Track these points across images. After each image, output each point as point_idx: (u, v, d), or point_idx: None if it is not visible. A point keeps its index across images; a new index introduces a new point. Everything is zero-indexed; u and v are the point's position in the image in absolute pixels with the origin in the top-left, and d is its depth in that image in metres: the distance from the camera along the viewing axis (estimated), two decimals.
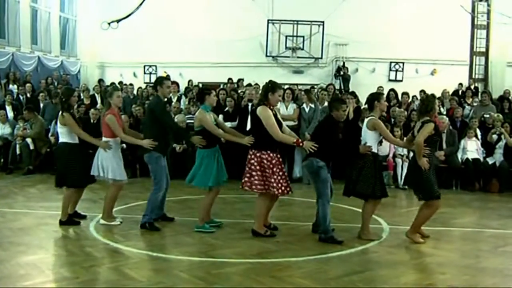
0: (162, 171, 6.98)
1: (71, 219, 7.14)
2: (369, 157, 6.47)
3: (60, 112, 7.09)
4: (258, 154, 6.42)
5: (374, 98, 6.73)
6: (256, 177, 6.40)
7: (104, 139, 7.05)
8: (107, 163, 6.98)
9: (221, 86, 14.66)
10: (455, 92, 15.78)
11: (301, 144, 6.39)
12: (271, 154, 6.43)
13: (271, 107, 6.50)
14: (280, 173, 6.48)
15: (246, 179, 6.50)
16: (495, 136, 10.90)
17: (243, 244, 6.31)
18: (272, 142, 6.41)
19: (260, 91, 11.79)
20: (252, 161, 6.44)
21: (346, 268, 5.45)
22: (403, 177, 10.03)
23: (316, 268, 5.44)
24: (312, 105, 10.97)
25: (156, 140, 6.84)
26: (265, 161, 6.39)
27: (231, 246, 6.22)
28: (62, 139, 7.14)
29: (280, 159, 6.58)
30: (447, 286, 4.99)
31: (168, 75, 18.25)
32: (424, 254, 6.07)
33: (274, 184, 6.37)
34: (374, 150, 6.54)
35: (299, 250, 6.08)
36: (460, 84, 17.24)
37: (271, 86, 6.52)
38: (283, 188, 6.48)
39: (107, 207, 7.15)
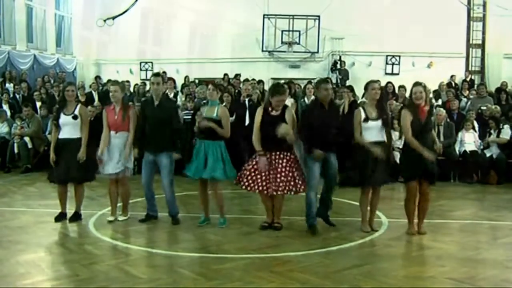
0: (141, 166, 7.16)
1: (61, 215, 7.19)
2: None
3: None
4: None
5: (364, 87, 6.82)
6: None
7: None
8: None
9: (218, 82, 14.62)
10: (448, 85, 15.76)
11: (261, 153, 6.43)
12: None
13: (272, 108, 6.56)
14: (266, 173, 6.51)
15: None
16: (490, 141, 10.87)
17: (243, 239, 6.32)
18: (264, 142, 6.50)
19: (256, 86, 11.98)
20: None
21: (346, 262, 5.46)
22: None
23: (316, 262, 5.44)
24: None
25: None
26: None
27: (230, 241, 6.23)
28: None
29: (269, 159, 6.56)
30: (447, 278, 5.00)
31: (164, 72, 18.25)
32: (423, 246, 6.08)
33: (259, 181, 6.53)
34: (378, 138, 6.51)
35: (299, 244, 6.08)
36: (453, 75, 17.21)
37: (271, 91, 6.68)
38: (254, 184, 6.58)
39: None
